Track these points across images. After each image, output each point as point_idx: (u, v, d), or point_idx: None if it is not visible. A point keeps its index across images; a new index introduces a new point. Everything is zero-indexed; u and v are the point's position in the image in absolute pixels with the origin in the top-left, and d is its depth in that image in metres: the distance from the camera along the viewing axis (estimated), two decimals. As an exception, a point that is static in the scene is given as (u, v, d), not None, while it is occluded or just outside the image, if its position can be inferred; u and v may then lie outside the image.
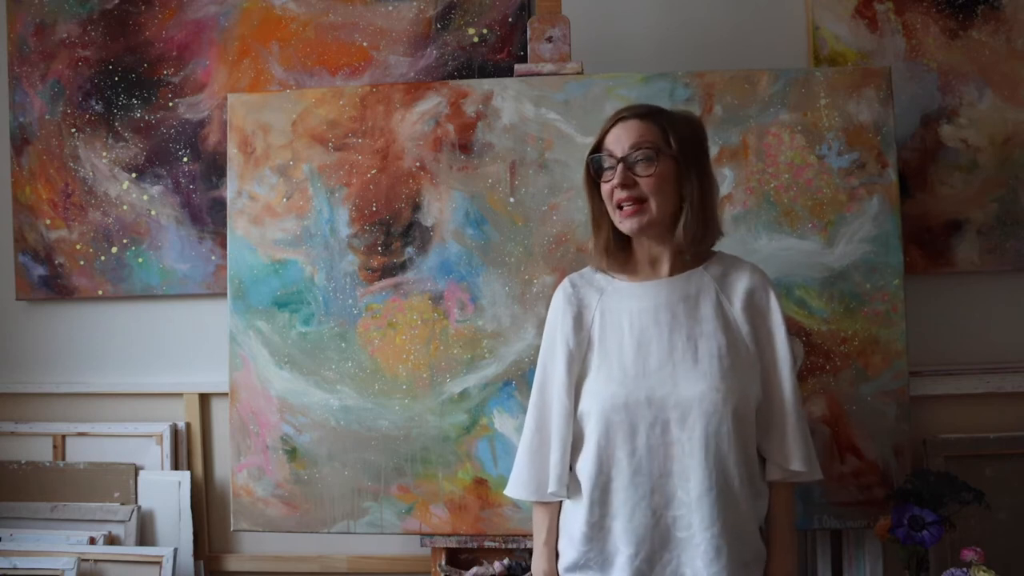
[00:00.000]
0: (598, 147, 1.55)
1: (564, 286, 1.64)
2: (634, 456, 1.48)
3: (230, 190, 2.16)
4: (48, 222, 2.47)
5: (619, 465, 1.49)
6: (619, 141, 1.51)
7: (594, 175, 1.55)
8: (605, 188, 1.54)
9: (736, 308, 1.53)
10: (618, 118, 1.53)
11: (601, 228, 1.58)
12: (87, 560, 2.18)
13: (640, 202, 1.49)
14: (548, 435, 1.59)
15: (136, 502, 2.35)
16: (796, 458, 1.53)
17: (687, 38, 2.32)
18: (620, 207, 1.51)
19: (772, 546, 1.56)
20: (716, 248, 1.61)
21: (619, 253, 1.59)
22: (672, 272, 1.56)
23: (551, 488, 1.56)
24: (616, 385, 1.50)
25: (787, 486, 1.58)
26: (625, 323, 1.54)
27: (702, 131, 1.59)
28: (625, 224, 1.52)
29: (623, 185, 1.49)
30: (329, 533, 2.11)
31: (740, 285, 1.55)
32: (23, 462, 2.41)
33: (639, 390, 1.48)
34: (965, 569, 1.82)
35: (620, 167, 1.50)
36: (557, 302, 1.64)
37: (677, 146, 1.50)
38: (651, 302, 1.54)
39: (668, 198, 1.51)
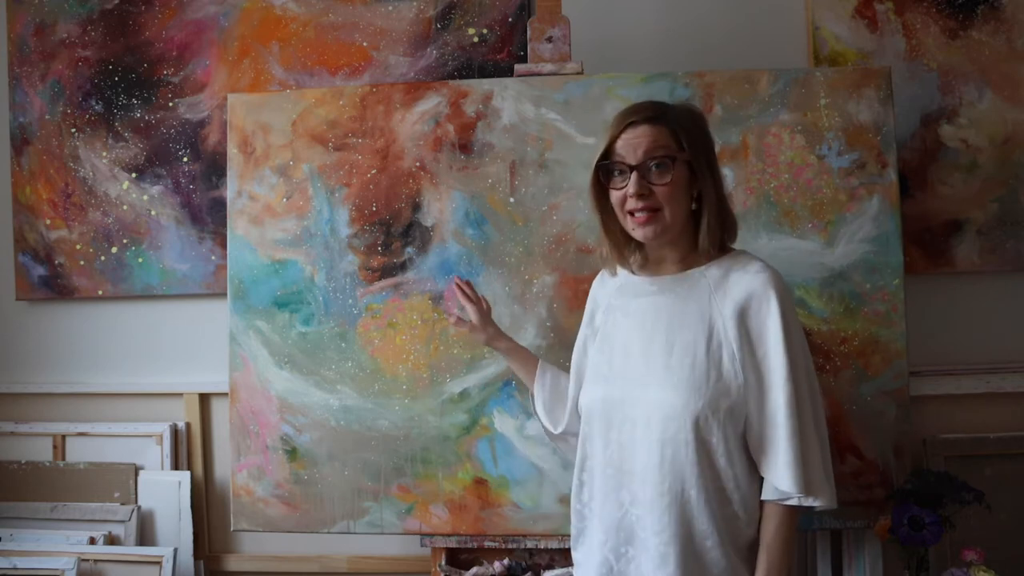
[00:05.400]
0: (608, 152, 1.49)
1: (596, 279, 1.69)
2: (607, 449, 1.50)
3: (230, 190, 2.16)
4: (48, 222, 2.47)
5: (596, 456, 1.53)
6: (632, 148, 1.45)
7: (603, 181, 1.51)
8: (616, 195, 1.49)
9: (727, 314, 1.44)
10: (627, 122, 1.47)
11: (612, 232, 1.54)
12: (87, 560, 2.18)
13: (654, 210, 1.46)
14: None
15: (136, 502, 2.35)
16: (785, 477, 1.40)
17: (687, 38, 2.32)
18: (632, 214, 1.48)
19: (757, 569, 1.45)
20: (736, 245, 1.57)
21: (636, 253, 1.57)
22: (675, 270, 1.53)
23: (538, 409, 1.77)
24: (601, 380, 1.54)
25: (779, 507, 1.44)
26: (620, 319, 1.56)
27: (706, 122, 1.54)
28: (639, 232, 1.48)
29: (639, 195, 1.45)
30: (329, 533, 2.10)
31: (737, 290, 1.46)
32: (23, 462, 2.41)
33: (616, 387, 1.51)
34: (965, 569, 1.82)
35: (635, 176, 1.45)
36: (589, 293, 1.70)
37: (690, 149, 1.46)
38: (644, 300, 1.53)
39: (681, 203, 1.47)
